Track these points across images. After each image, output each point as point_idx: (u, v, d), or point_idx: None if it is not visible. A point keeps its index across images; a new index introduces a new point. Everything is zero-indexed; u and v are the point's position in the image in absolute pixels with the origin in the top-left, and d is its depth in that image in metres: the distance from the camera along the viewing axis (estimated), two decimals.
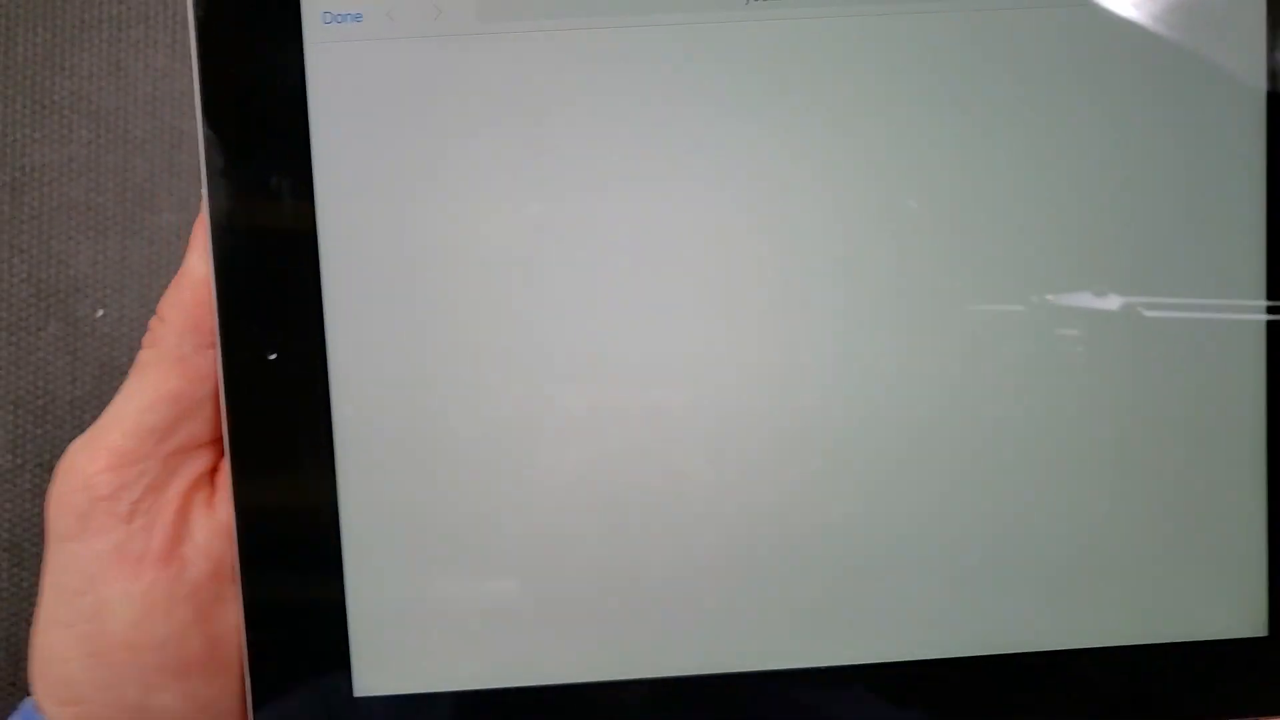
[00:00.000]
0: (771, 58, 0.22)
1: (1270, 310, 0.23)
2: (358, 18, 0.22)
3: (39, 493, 0.47)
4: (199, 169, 0.22)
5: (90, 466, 0.22)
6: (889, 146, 0.23)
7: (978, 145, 0.23)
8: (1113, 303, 0.23)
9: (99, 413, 0.23)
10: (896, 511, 0.23)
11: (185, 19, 0.22)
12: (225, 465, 0.23)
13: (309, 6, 0.22)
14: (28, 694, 0.23)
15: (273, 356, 0.22)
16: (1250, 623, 0.24)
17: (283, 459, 0.23)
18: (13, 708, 0.23)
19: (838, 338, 0.23)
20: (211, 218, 0.22)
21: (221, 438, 0.23)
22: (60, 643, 0.22)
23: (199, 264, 0.22)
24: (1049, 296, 0.23)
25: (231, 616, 0.23)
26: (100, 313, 0.46)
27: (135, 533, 0.22)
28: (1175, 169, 0.23)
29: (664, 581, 0.23)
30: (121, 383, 0.23)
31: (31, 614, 0.23)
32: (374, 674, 0.23)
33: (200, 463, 0.23)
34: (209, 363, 0.22)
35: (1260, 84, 0.22)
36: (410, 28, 0.22)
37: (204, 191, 0.22)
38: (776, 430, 0.23)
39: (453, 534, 0.23)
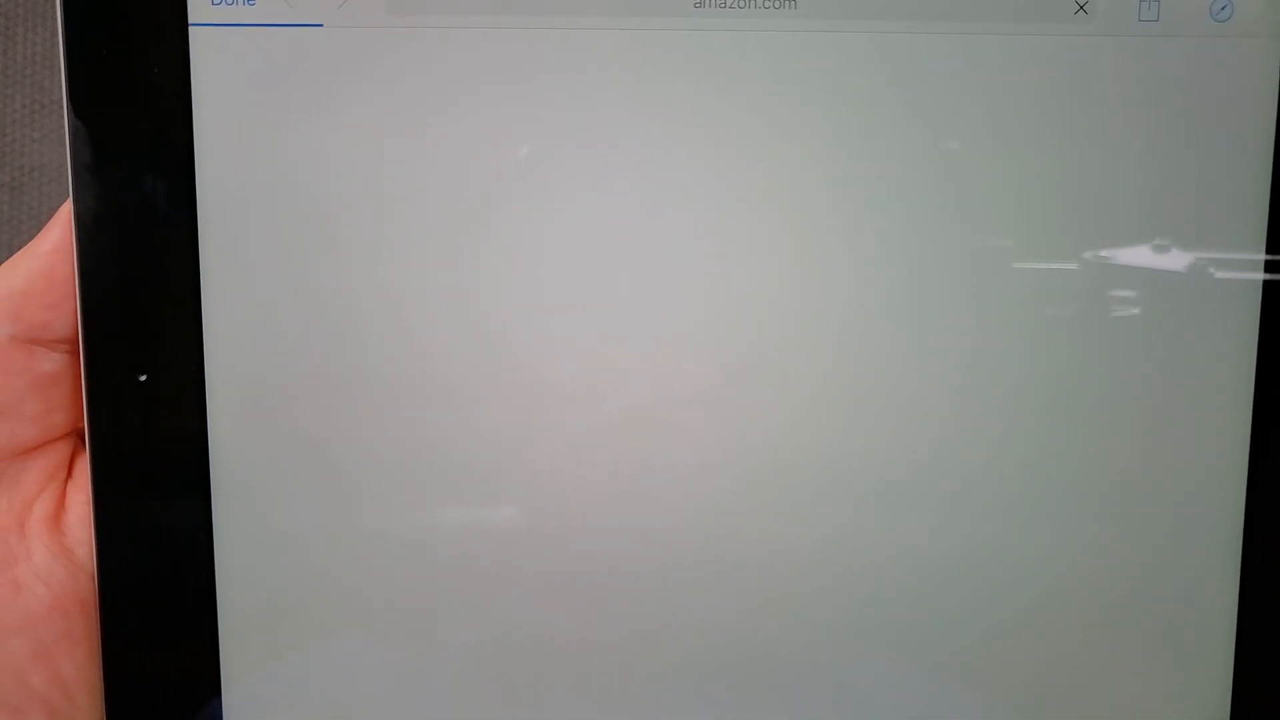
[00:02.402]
0: (705, 65, 0.20)
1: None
2: (250, 0, 0.19)
3: None
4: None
5: None
6: (827, 159, 0.20)
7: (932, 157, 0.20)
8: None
9: None
10: (853, 613, 0.22)
11: None
12: (77, 485, 0.21)
13: None
14: None
15: (143, 377, 0.20)
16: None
17: (152, 484, 0.20)
18: None
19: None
20: (77, 218, 0.19)
21: (56, 444, 0.21)
22: None
23: (48, 251, 0.20)
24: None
25: (83, 656, 0.20)
26: None
27: None
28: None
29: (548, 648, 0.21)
30: None
31: None
32: (247, 714, 0.21)
33: (34, 473, 0.20)
34: (28, 357, 0.20)
35: None
36: (310, 15, 0.19)
37: (70, 187, 0.19)
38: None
39: (334, 574, 0.21)
